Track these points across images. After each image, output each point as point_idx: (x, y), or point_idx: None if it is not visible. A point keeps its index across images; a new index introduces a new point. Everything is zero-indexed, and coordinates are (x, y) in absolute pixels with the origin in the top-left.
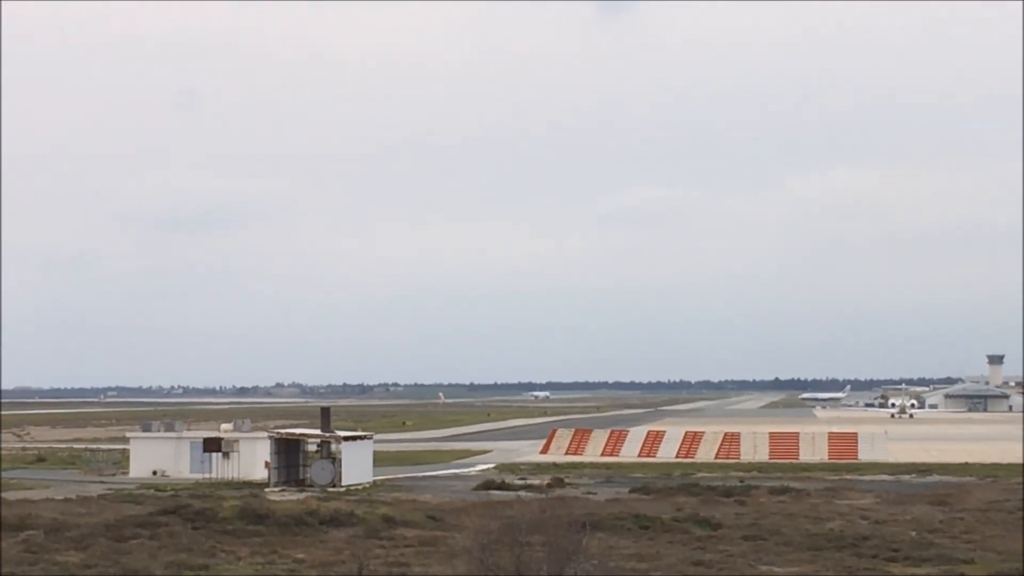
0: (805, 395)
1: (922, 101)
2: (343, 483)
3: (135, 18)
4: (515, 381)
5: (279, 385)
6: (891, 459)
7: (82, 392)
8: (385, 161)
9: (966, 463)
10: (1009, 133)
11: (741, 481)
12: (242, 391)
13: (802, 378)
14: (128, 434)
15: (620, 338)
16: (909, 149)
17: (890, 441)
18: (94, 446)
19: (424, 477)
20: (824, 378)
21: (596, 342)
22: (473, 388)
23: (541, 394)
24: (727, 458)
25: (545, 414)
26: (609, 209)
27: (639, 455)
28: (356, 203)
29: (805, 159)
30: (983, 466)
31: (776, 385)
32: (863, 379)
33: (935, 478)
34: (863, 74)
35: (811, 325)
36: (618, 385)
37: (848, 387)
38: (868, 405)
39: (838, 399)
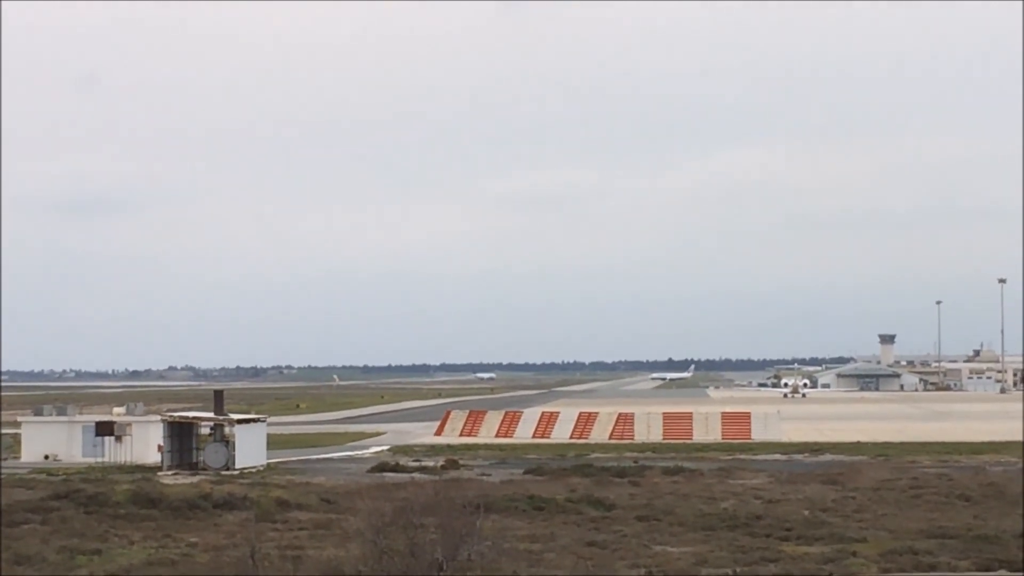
0: (655, 375)
1: (820, 82)
2: (236, 466)
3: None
4: (409, 363)
5: (172, 368)
6: (784, 439)
7: None
8: (280, 144)
9: (858, 442)
10: (910, 116)
11: (635, 462)
12: (134, 374)
13: (695, 358)
14: (20, 418)
15: (513, 320)
16: (807, 131)
17: (783, 421)
18: None
19: (318, 460)
20: (717, 358)
21: (489, 324)
22: (367, 370)
23: (486, 375)
24: (621, 438)
25: (439, 396)
26: (503, 191)
27: (533, 436)
28: (249, 185)
29: (702, 141)
30: (875, 445)
31: (669, 366)
32: (756, 359)
33: (828, 457)
34: (762, 55)
35: (705, 306)
36: (512, 366)
37: (692, 366)
38: (761, 385)
39: (684, 377)
